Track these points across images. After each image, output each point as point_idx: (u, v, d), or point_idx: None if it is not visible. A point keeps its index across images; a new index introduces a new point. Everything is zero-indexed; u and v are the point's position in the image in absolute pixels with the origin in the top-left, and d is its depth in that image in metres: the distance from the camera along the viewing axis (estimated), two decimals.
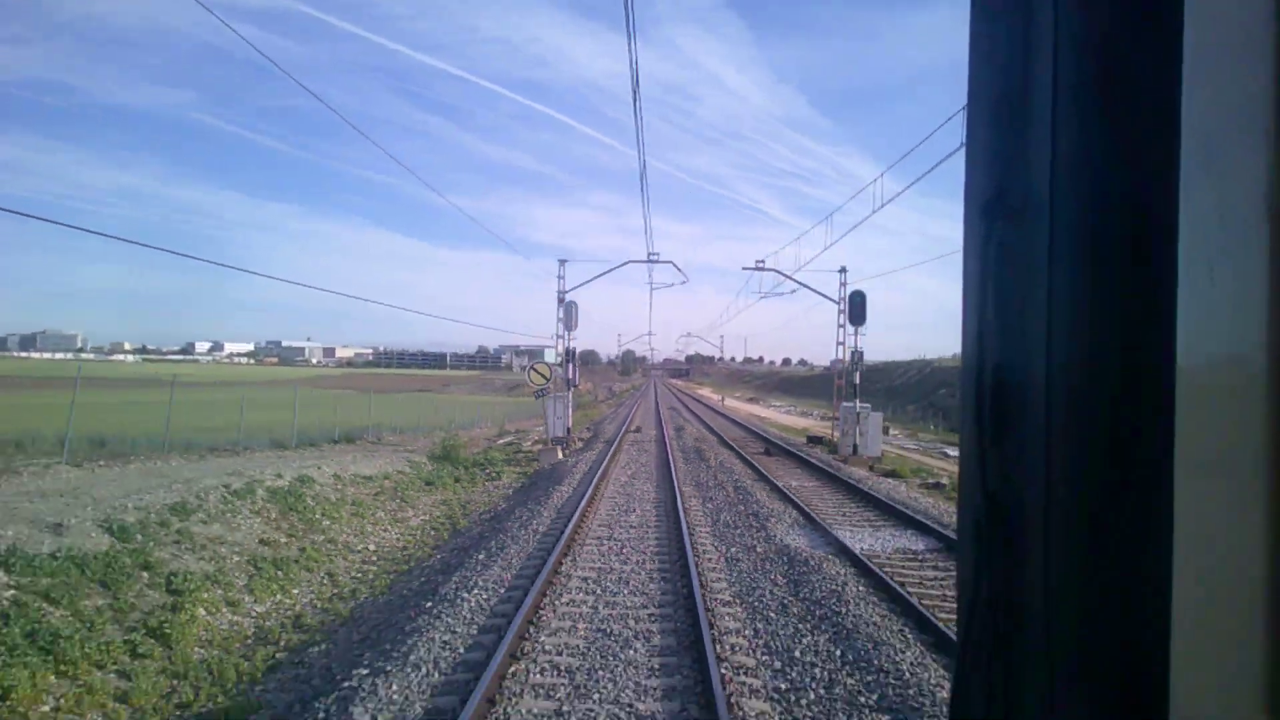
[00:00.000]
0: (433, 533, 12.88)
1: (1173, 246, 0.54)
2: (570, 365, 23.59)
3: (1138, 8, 0.62)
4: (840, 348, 22.90)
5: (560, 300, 23.80)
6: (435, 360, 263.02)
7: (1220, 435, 0.49)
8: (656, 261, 26.30)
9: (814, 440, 26.03)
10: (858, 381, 21.18)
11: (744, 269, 27.75)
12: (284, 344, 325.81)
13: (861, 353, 21.86)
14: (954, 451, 21.89)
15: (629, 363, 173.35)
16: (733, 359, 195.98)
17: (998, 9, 0.74)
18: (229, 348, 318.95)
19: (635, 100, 13.54)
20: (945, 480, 16.75)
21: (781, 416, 48.43)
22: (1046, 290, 0.66)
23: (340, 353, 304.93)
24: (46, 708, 5.78)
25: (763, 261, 26.46)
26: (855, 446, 19.97)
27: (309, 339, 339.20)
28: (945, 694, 5.44)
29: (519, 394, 69.08)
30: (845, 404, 21.35)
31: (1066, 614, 0.65)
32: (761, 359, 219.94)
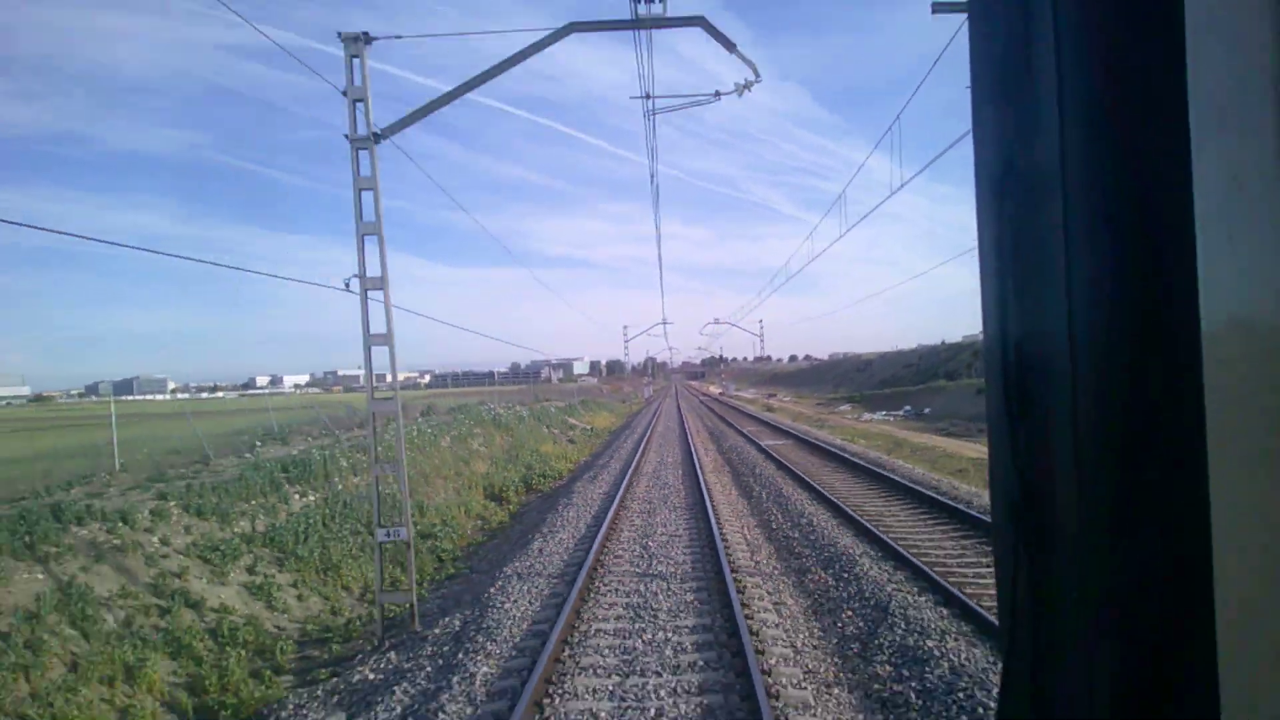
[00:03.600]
0: (641, 409, 68.28)
1: (1189, 210, 0.52)
2: (650, 373, 79.71)
3: None
4: (703, 359, 78.65)
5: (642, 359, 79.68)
6: (485, 378, 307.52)
7: (1250, 398, 0.47)
8: (669, 323, 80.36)
9: (721, 392, 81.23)
10: (722, 371, 76.96)
11: (706, 325, 75.64)
12: (340, 373, 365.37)
13: (722, 358, 77.32)
14: (778, 398, 77.00)
15: (652, 369, 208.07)
16: (745, 359, 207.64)
17: None
18: (288, 380, 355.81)
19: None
20: (746, 397, 72.20)
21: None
22: (1064, 261, 0.64)
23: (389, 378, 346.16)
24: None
25: (716, 320, 77.44)
26: (723, 392, 75.54)
27: (359, 367, 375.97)
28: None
29: (583, 398, 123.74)
30: (722, 380, 77.09)
31: (1102, 592, 0.62)
32: (769, 357, 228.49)
